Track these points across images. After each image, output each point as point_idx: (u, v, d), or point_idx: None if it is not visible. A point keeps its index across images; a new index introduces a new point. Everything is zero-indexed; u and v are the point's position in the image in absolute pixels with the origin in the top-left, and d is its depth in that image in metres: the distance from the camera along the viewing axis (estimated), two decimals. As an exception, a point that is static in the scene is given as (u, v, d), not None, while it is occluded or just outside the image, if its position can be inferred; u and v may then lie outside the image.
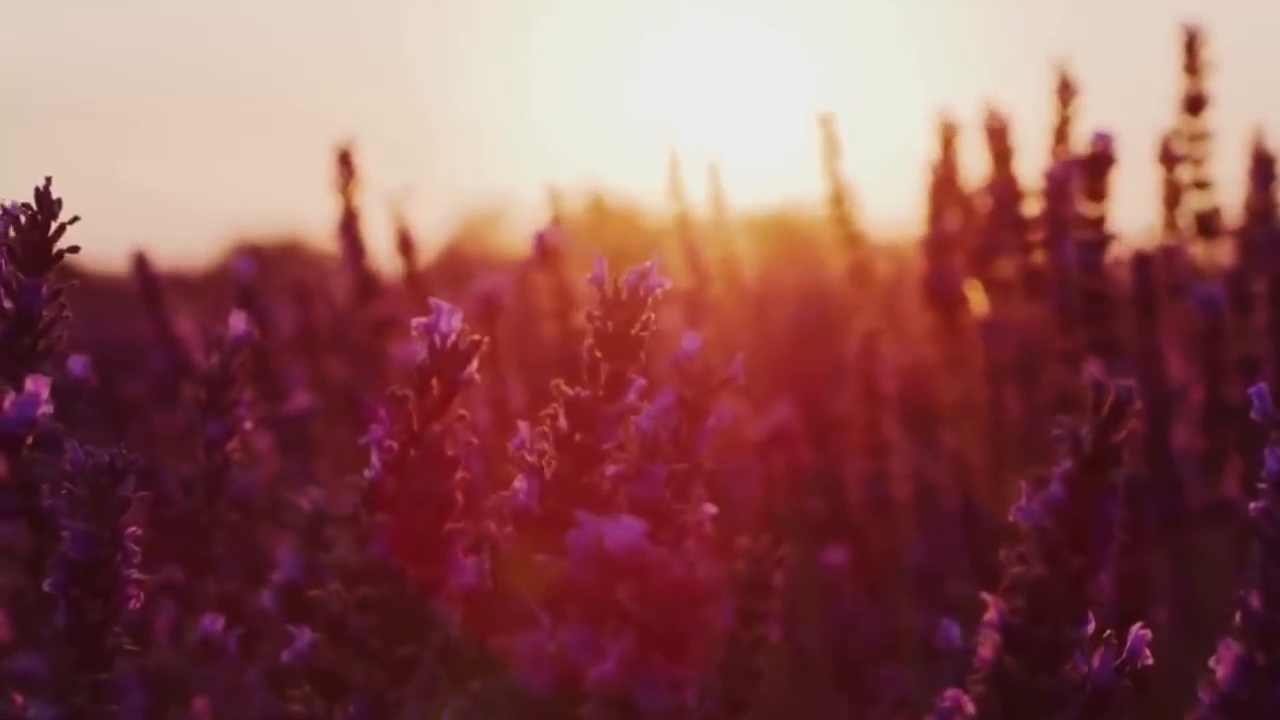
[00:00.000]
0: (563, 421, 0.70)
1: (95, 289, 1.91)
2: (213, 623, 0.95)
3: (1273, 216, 1.72)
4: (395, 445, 0.67)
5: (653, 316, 0.70)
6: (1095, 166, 1.57)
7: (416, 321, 0.67)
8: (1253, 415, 0.79)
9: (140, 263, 1.83)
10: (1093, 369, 1.57)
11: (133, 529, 0.80)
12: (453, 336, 0.66)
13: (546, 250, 1.56)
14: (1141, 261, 1.60)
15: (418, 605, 0.67)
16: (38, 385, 0.76)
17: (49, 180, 0.83)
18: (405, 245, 1.90)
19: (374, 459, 0.67)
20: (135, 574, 0.80)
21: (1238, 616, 0.76)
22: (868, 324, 1.75)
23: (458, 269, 2.99)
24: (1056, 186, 1.75)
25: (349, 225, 1.83)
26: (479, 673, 0.70)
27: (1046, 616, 0.67)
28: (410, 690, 0.68)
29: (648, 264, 0.70)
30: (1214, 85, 1.81)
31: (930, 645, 1.68)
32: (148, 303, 1.81)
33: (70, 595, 0.80)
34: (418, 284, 1.89)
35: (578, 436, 0.69)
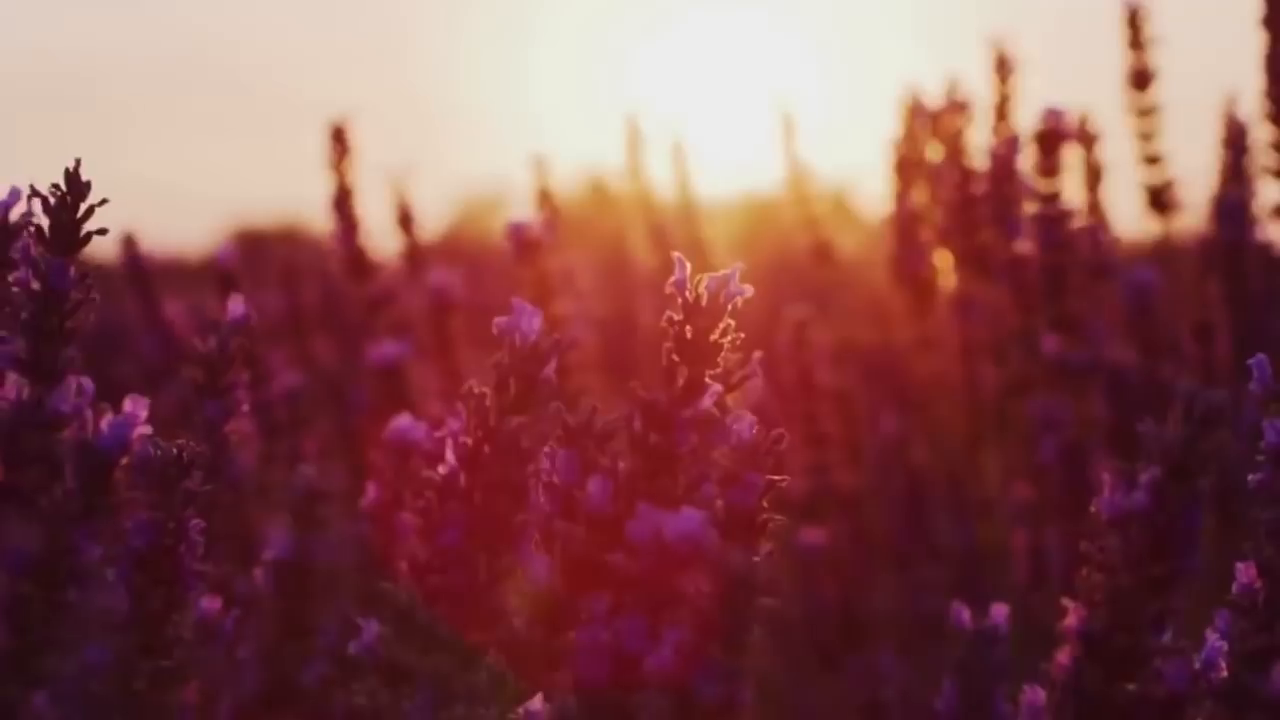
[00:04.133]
0: (638, 424, 0.70)
1: (96, 273, 1.89)
2: (210, 604, 0.95)
3: (1246, 184, 1.74)
4: (470, 440, 0.67)
5: (732, 324, 0.71)
6: (1046, 143, 1.60)
7: (498, 320, 0.67)
8: (1251, 387, 0.80)
9: (129, 246, 1.82)
10: (1049, 346, 1.60)
11: (197, 521, 0.81)
12: (533, 336, 0.67)
13: (523, 241, 1.54)
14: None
15: (486, 595, 0.68)
16: (136, 406, 0.75)
17: (78, 162, 0.83)
18: (405, 220, 1.90)
19: (449, 453, 0.68)
20: (199, 566, 0.81)
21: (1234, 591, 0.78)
22: (798, 313, 1.76)
23: (455, 253, 2.98)
24: (1001, 164, 1.77)
25: (342, 202, 1.81)
26: (544, 671, 0.71)
27: (1128, 624, 0.67)
28: (479, 680, 0.69)
29: (730, 270, 0.71)
30: (1160, 60, 1.82)
31: (916, 627, 1.71)
32: (136, 286, 1.81)
33: (132, 584, 0.80)
34: (418, 259, 1.89)
35: (653, 439, 0.70)
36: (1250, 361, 0.80)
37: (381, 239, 1.88)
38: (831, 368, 1.81)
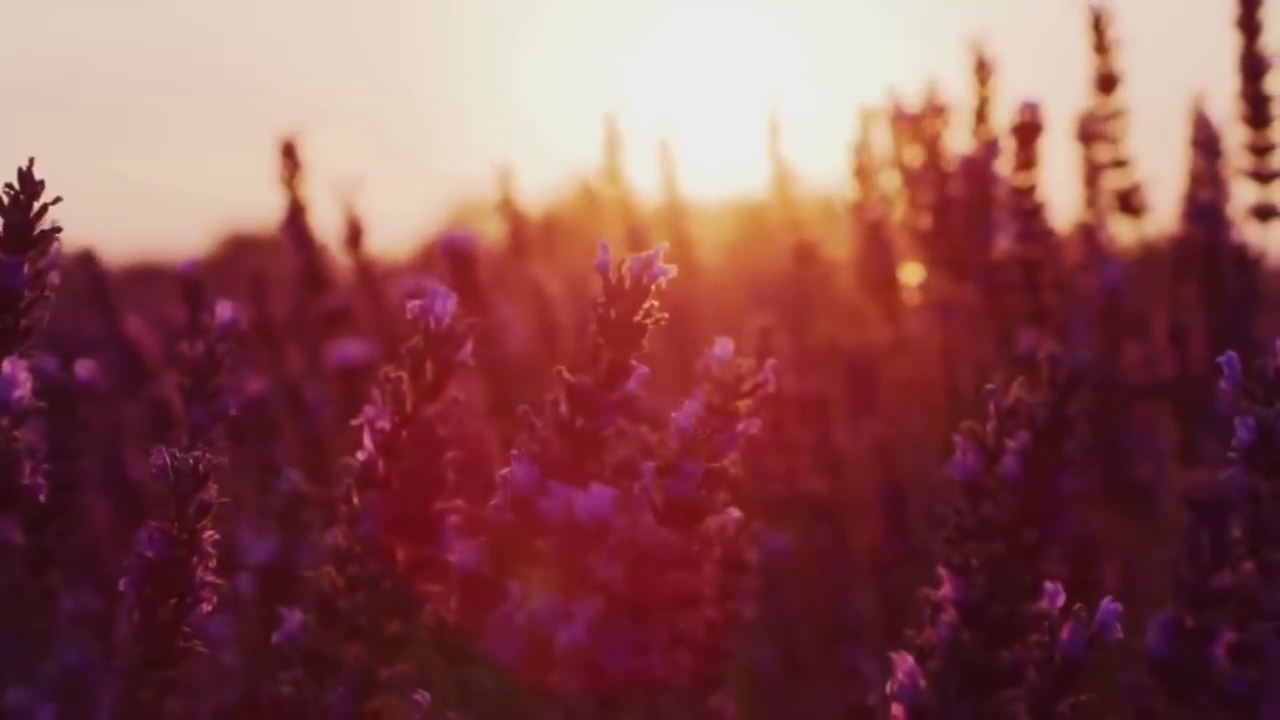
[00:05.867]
0: (564, 408, 0.70)
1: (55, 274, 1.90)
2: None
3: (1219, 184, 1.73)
4: (388, 426, 0.67)
5: (656, 304, 0.71)
6: (1023, 135, 1.60)
7: (411, 304, 0.67)
8: (1223, 384, 0.80)
9: (87, 261, 1.83)
10: (1025, 340, 1.60)
11: (211, 533, 0.81)
12: (447, 319, 0.67)
13: (454, 254, 1.55)
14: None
15: (407, 584, 0.67)
16: (15, 367, 0.75)
17: (31, 160, 0.84)
18: (354, 236, 1.90)
19: (366, 439, 0.67)
20: (211, 578, 0.81)
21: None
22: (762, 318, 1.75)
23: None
24: (979, 167, 1.77)
25: (295, 217, 1.83)
26: (473, 659, 0.71)
27: (1003, 592, 0.67)
28: (400, 670, 0.68)
29: (652, 251, 0.70)
30: (1125, 63, 1.81)
31: (891, 628, 1.70)
32: (96, 300, 1.81)
33: (143, 594, 0.81)
34: (368, 275, 1.89)
35: (579, 422, 0.70)
36: (1220, 359, 0.80)
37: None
38: (810, 371, 1.81)
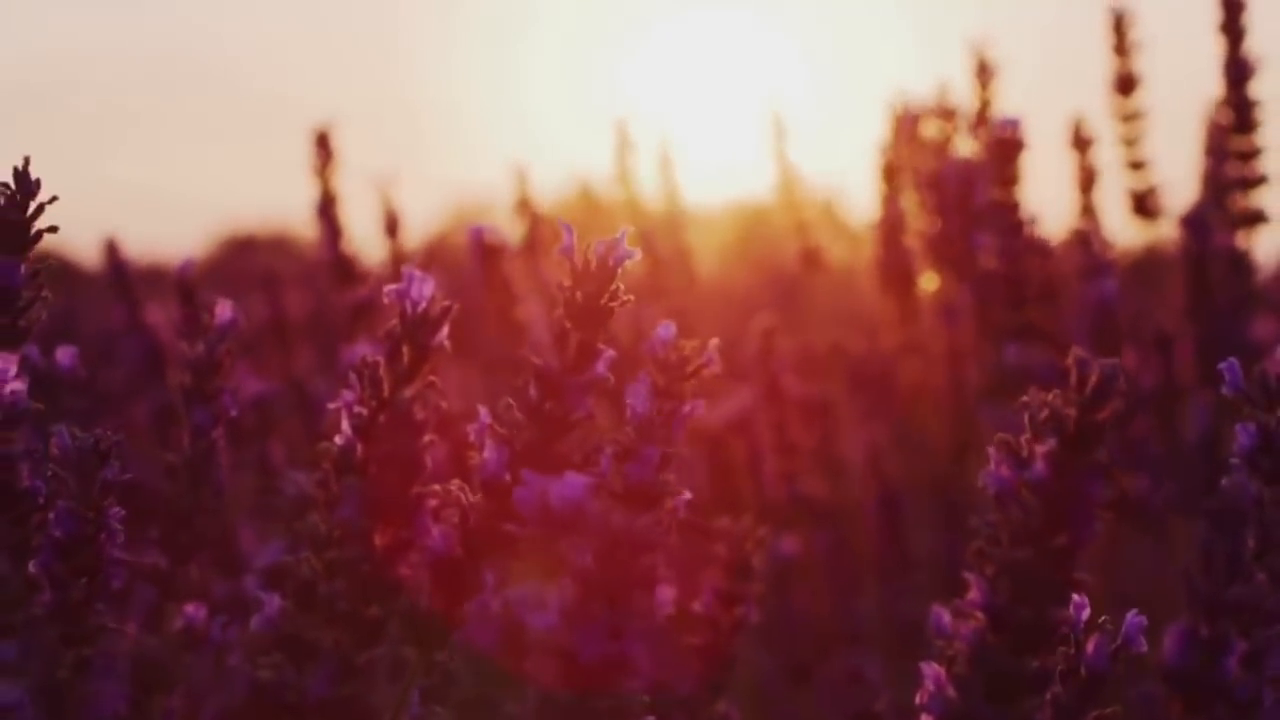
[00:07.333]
0: (532, 391, 0.70)
1: (84, 281, 1.91)
2: (196, 610, 0.95)
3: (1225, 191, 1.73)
4: (365, 411, 0.67)
5: (621, 287, 0.70)
6: (1004, 152, 1.60)
7: (389, 288, 0.67)
8: (1223, 390, 0.80)
9: (111, 251, 1.84)
10: (1011, 353, 1.59)
11: (117, 509, 0.81)
12: (424, 303, 0.67)
13: (485, 248, 1.56)
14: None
15: (385, 568, 0.68)
16: (5, 362, 0.76)
17: (27, 160, 0.83)
18: (391, 227, 1.90)
19: (344, 424, 0.67)
20: (119, 554, 0.81)
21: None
22: (765, 320, 1.75)
23: (444, 259, 2.99)
24: (964, 175, 1.77)
25: (327, 208, 1.82)
26: (446, 642, 0.71)
27: (1030, 597, 0.66)
28: (379, 653, 0.69)
29: (617, 235, 0.71)
30: (1143, 65, 1.82)
31: (894, 633, 1.70)
32: (119, 291, 1.82)
33: (55, 573, 0.80)
34: (402, 266, 1.89)
35: (547, 405, 0.69)
36: (1221, 365, 0.80)
37: (367, 244, 1.90)
38: (814, 374, 1.81)
